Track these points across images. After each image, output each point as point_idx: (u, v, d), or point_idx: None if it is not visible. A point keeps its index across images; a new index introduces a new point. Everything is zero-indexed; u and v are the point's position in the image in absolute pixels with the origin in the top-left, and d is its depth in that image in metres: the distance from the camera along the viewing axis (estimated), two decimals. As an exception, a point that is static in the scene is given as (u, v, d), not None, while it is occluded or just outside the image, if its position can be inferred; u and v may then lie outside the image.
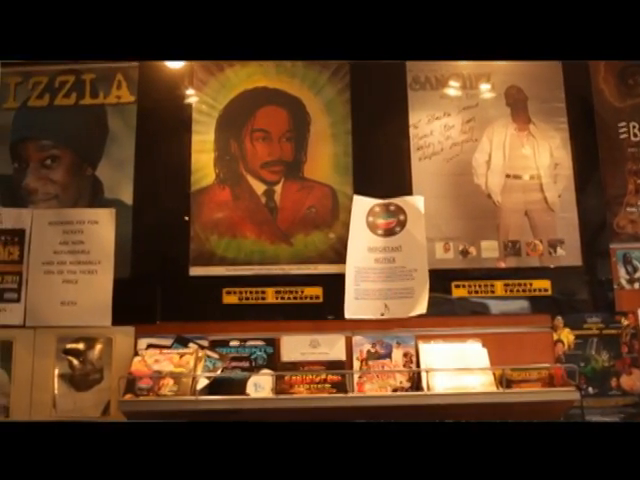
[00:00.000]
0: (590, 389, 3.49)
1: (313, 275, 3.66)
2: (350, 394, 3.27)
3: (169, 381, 3.22)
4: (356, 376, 3.41)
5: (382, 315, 3.53)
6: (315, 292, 3.62)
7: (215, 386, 3.28)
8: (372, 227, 3.64)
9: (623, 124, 3.83)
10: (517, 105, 3.86)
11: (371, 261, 3.60)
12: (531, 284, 3.62)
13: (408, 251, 3.60)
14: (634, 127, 3.82)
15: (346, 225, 3.65)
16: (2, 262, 3.64)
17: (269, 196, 3.75)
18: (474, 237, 3.70)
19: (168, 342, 3.47)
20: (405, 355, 3.49)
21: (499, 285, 3.63)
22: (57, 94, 3.90)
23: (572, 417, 3.33)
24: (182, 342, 3.47)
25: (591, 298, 3.63)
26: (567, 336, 3.55)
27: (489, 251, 3.68)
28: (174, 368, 3.27)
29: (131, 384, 3.23)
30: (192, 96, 3.86)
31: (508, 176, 3.77)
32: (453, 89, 3.88)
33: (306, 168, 3.78)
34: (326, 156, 3.80)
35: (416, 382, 3.36)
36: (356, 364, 3.48)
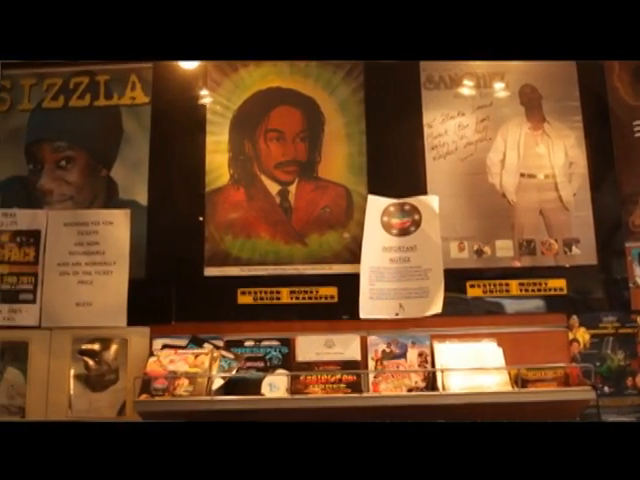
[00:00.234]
0: (606, 388, 3.48)
1: (328, 275, 3.66)
2: (365, 394, 3.27)
3: (184, 381, 3.22)
4: (371, 376, 3.41)
5: (397, 315, 3.53)
6: (330, 292, 3.62)
7: (230, 386, 3.28)
8: (387, 227, 3.64)
9: (638, 122, 3.81)
10: (531, 104, 3.85)
11: (386, 261, 3.60)
12: (546, 283, 3.61)
13: (423, 251, 3.59)
14: (649, 125, 3.82)
15: (361, 225, 3.64)
16: (18, 263, 3.66)
17: (283, 196, 3.75)
18: (489, 236, 3.70)
19: (183, 342, 3.48)
20: (420, 355, 3.48)
21: (514, 284, 3.62)
22: (71, 95, 3.91)
23: (588, 417, 3.32)
24: (197, 342, 3.47)
25: (606, 297, 3.61)
26: (583, 335, 3.54)
27: (504, 250, 3.68)
28: (189, 368, 3.28)
29: (146, 384, 3.24)
30: (206, 97, 3.87)
31: (523, 175, 3.76)
32: (467, 88, 3.87)
33: (320, 168, 3.78)
34: (340, 156, 3.80)
35: (431, 382, 3.36)
36: (371, 364, 3.48)
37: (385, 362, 3.48)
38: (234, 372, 3.34)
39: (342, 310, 3.58)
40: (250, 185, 3.77)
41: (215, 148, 3.81)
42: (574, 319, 3.55)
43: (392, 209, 3.65)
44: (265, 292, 3.62)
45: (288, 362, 3.48)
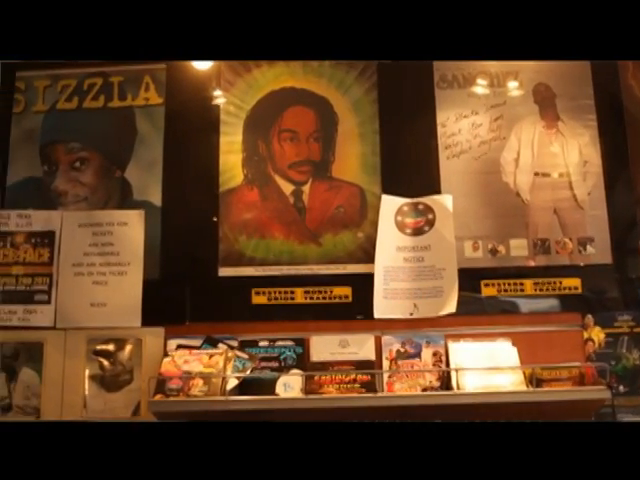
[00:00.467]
0: (621, 388, 3.46)
1: (342, 275, 3.66)
2: (380, 394, 3.26)
3: (199, 381, 3.23)
4: (386, 376, 3.40)
5: (411, 314, 3.52)
6: (344, 292, 3.62)
7: (245, 386, 3.29)
8: (401, 226, 3.63)
9: (653, 120, 3.81)
10: (545, 102, 3.84)
11: (400, 260, 3.59)
12: (561, 282, 3.60)
13: (437, 250, 3.59)
14: (664, 123, 3.80)
15: (374, 224, 3.64)
16: (32, 264, 3.67)
17: (297, 196, 3.76)
18: (503, 235, 3.69)
19: (197, 342, 3.48)
20: (435, 354, 3.47)
21: (529, 284, 3.61)
22: (85, 97, 3.93)
23: (603, 416, 3.31)
24: (211, 342, 3.47)
25: (621, 296, 3.60)
26: (597, 334, 3.53)
27: (518, 249, 3.67)
28: (204, 368, 3.28)
29: (161, 385, 3.25)
30: (220, 97, 3.87)
31: (537, 174, 3.75)
32: (480, 87, 3.87)
33: (334, 168, 3.78)
34: (354, 156, 3.80)
35: (446, 381, 3.35)
36: (385, 364, 3.47)
37: (399, 362, 3.47)
38: (248, 372, 3.34)
39: (356, 310, 3.58)
40: (264, 185, 3.78)
41: (229, 148, 3.82)
42: (589, 318, 3.54)
43: (406, 208, 3.65)
44: (279, 292, 3.63)
45: (302, 362, 3.48)
